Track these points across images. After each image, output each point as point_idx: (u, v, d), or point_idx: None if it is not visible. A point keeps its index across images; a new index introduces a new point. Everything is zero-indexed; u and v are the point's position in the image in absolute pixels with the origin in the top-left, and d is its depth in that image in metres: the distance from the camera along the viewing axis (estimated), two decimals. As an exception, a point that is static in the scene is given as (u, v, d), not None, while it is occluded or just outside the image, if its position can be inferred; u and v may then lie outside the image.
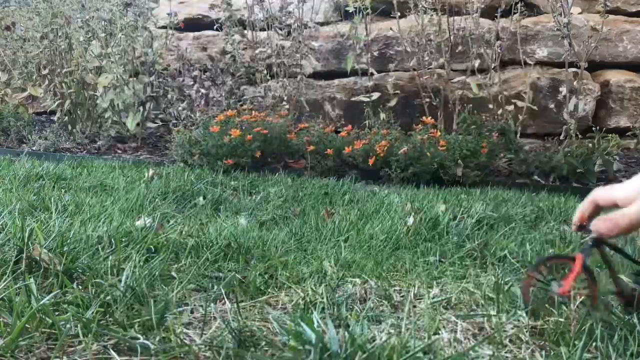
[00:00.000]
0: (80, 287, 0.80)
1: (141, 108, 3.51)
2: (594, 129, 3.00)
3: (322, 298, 0.83)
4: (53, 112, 3.90)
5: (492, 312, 0.79)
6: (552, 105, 3.40)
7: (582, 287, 0.77)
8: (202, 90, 3.40)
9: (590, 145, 2.89)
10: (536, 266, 0.80)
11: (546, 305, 0.78)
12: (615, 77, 3.43)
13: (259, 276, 0.96)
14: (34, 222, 1.15)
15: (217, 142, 2.71)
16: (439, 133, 2.84)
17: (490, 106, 3.14)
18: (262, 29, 3.58)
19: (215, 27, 3.59)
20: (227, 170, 2.59)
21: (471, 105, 3.10)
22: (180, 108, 3.41)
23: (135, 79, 3.49)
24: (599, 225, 0.70)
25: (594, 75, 3.49)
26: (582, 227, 0.78)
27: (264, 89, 3.42)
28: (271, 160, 2.89)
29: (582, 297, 0.76)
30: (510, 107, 3.14)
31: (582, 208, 0.76)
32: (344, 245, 1.25)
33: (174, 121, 3.47)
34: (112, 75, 3.37)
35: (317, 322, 0.69)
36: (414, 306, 0.86)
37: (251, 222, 1.51)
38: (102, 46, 3.51)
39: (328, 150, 2.78)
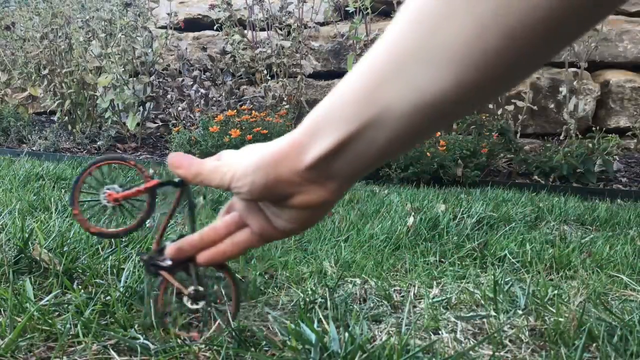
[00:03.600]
0: (80, 287, 0.80)
1: (141, 108, 3.51)
2: (594, 129, 3.00)
3: (322, 298, 0.83)
4: (53, 112, 3.91)
5: (492, 312, 0.79)
6: (552, 105, 3.40)
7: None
8: (202, 90, 3.40)
9: (590, 145, 2.89)
10: (85, 170, 0.62)
11: None
12: (615, 77, 3.44)
13: (259, 276, 0.96)
14: (34, 222, 1.15)
15: (217, 142, 2.71)
16: (438, 133, 2.84)
17: (490, 106, 3.14)
18: (262, 29, 3.58)
19: (215, 27, 3.59)
20: (227, 170, 2.59)
21: (471, 105, 3.10)
22: (180, 108, 3.41)
23: (135, 79, 3.49)
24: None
25: (594, 75, 3.49)
26: None
27: (264, 89, 3.42)
28: (271, 160, 2.89)
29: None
30: (510, 107, 3.14)
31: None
32: (344, 245, 1.25)
33: (174, 121, 3.47)
34: (112, 75, 3.38)
35: (317, 322, 0.69)
36: (414, 306, 0.86)
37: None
38: (102, 46, 3.51)
39: (328, 150, 2.78)
